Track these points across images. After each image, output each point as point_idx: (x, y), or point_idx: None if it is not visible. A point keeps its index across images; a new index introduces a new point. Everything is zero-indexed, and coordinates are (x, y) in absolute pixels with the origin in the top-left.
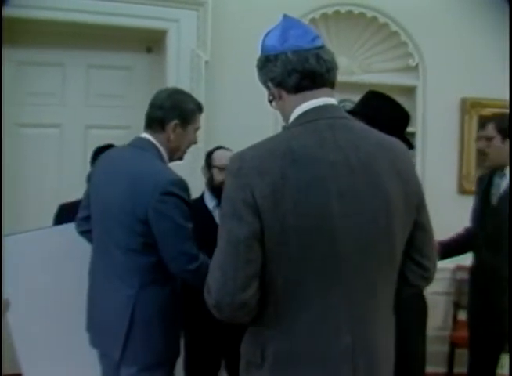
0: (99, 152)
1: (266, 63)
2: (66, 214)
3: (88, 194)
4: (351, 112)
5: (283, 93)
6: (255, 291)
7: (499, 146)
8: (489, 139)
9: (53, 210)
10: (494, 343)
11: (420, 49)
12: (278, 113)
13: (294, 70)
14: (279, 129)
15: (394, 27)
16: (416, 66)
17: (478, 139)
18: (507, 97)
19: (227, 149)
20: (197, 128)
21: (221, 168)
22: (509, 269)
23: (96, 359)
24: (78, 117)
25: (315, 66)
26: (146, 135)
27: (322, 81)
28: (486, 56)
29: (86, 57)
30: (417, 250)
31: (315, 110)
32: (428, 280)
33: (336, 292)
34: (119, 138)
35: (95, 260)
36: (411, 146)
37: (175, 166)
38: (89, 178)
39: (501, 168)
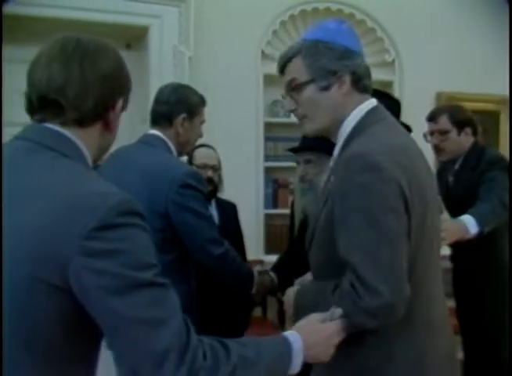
0: None
1: (351, 55)
2: None
3: None
4: None
5: (352, 89)
6: None
7: (455, 139)
8: (444, 132)
9: None
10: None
11: (396, 45)
12: (259, 110)
13: (369, 72)
14: (261, 125)
15: (370, 24)
16: (393, 61)
17: (431, 133)
18: (482, 91)
19: (209, 146)
20: (203, 121)
21: (200, 167)
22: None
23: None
24: None
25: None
26: (155, 132)
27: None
28: (461, 52)
29: None
30: None
31: (379, 109)
32: None
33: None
34: None
35: None
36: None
37: None
38: None
39: (453, 163)
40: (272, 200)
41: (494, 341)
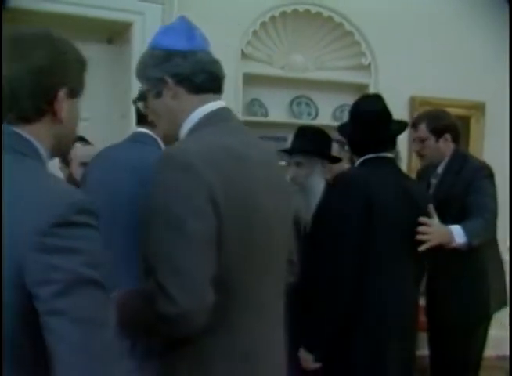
0: None
1: (170, 57)
2: None
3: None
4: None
5: (182, 92)
6: None
7: (434, 146)
8: (422, 140)
9: None
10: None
11: (373, 49)
12: (238, 108)
13: (204, 69)
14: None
15: (348, 27)
16: (369, 65)
17: (413, 140)
18: (454, 96)
19: (87, 142)
20: None
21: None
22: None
23: None
24: None
25: (219, 71)
26: (143, 129)
27: (221, 87)
28: (434, 57)
29: None
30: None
31: (223, 111)
32: (294, 273)
33: None
34: (79, 130)
35: None
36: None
37: None
38: (84, 180)
39: (435, 167)
40: None
41: (463, 338)
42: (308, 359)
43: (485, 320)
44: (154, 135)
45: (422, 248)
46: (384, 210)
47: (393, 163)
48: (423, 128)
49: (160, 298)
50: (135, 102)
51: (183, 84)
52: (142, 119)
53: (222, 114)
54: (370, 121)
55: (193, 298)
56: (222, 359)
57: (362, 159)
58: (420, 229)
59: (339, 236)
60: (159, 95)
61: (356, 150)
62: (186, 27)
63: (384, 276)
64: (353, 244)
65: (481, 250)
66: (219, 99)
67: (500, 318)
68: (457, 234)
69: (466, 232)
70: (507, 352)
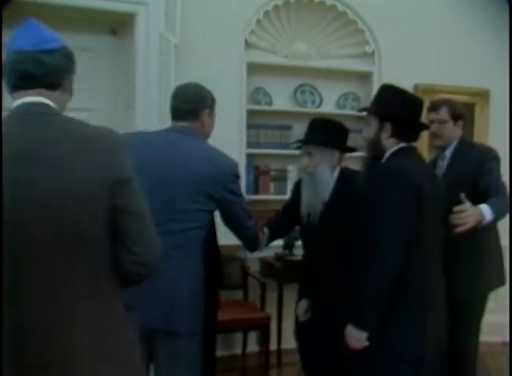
0: None
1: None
2: None
3: None
4: (366, 109)
5: (10, 91)
6: None
7: (452, 128)
8: (443, 122)
9: None
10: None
11: (376, 37)
12: (242, 97)
13: (13, 70)
14: (243, 113)
15: (352, 16)
16: (372, 52)
17: (431, 121)
18: (458, 83)
19: None
20: (215, 115)
21: None
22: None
23: None
24: None
25: (30, 69)
26: (185, 124)
27: (38, 83)
28: (438, 44)
29: None
30: (124, 235)
31: (19, 106)
32: (144, 264)
33: None
34: (83, 120)
35: None
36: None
37: None
38: None
39: (443, 149)
40: (253, 186)
41: (468, 319)
42: (360, 338)
43: (486, 297)
44: (194, 130)
45: (459, 230)
46: (428, 197)
47: (419, 153)
48: (444, 112)
49: None
50: None
51: (7, 85)
52: (178, 116)
53: (16, 109)
54: (418, 107)
55: None
56: None
57: (395, 148)
58: (457, 216)
59: (389, 223)
60: None
61: (399, 135)
62: (17, 30)
63: (425, 256)
64: (404, 233)
65: (486, 231)
66: (40, 94)
67: (506, 304)
68: (486, 212)
69: (493, 209)
70: None
